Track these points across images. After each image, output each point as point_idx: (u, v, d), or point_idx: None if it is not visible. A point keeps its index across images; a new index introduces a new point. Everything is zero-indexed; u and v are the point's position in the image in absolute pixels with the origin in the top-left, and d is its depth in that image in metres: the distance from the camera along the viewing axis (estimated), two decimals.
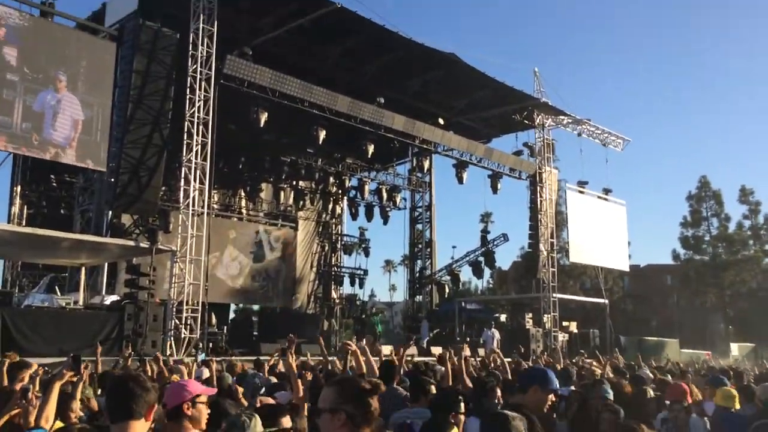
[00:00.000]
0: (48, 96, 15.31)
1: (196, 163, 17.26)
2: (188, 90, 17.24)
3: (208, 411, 3.16)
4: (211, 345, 17.45)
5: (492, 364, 10.56)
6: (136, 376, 2.64)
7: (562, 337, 26.40)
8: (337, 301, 31.73)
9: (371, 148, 22.58)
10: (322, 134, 20.84)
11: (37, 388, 5.22)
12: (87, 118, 16.02)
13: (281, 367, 7.40)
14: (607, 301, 30.17)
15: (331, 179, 29.54)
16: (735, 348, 36.80)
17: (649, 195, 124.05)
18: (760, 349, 35.28)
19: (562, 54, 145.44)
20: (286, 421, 3.00)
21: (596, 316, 33.00)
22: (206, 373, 7.08)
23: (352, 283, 32.33)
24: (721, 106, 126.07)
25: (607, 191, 30.17)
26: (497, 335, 21.34)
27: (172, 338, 16.24)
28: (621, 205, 31.19)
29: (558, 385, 4.17)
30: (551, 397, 4.07)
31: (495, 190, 26.64)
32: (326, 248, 31.58)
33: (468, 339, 25.02)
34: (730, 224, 47.37)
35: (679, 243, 48.34)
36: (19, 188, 22.67)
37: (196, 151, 17.26)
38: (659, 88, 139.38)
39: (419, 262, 31.82)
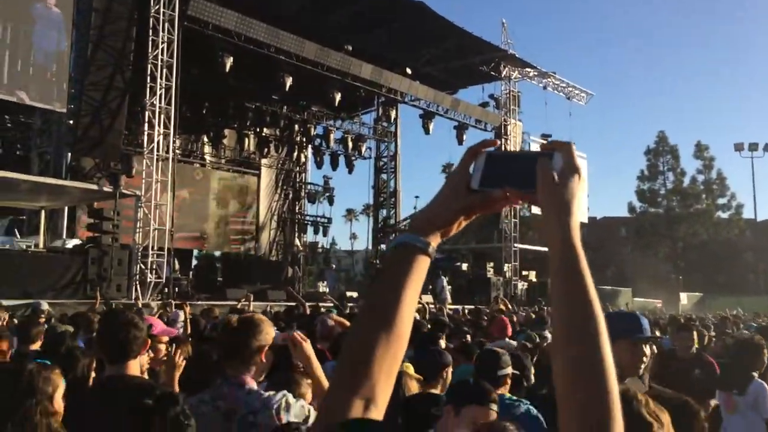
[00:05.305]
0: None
1: (160, 107, 16.96)
2: (151, 31, 16.79)
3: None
4: (177, 290, 17.49)
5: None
6: (132, 319, 2.79)
7: (521, 285, 27.11)
8: (301, 248, 31.86)
9: (338, 96, 22.39)
10: (289, 81, 20.54)
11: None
12: (44, 58, 15.57)
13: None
14: None
15: (297, 127, 29.24)
16: (684, 297, 38.28)
17: (609, 149, 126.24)
18: (708, 299, 36.79)
19: (530, 4, 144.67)
20: None
21: None
22: (181, 316, 7.16)
23: (316, 231, 32.53)
24: (681, 65, 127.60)
25: None
26: (445, 283, 21.42)
27: (137, 282, 16.26)
28: (582, 158, 31.36)
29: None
30: (647, 350, 2.85)
31: (460, 141, 26.75)
32: (290, 196, 31.45)
33: (430, 287, 25.44)
34: (685, 179, 48.46)
35: (635, 196, 49.33)
36: None
37: (160, 95, 16.94)
38: (624, 46, 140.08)
39: (383, 211, 32.04)
